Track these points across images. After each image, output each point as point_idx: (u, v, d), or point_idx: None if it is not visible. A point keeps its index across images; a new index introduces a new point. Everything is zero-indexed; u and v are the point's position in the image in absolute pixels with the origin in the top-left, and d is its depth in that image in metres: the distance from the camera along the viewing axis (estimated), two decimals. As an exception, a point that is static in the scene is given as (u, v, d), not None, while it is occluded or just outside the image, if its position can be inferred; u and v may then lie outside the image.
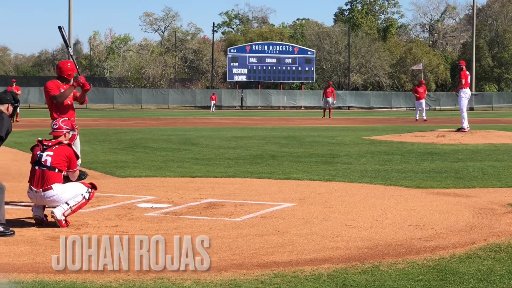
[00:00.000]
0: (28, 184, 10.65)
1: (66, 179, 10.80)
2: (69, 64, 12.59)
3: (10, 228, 9.81)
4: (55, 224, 10.37)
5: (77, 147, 12.46)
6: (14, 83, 47.05)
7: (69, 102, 12.41)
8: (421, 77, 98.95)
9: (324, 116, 53.72)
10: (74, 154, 10.76)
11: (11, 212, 11.34)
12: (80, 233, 9.87)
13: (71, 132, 11.15)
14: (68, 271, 7.74)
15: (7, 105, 10.29)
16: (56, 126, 11.00)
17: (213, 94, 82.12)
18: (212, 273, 7.67)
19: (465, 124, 29.26)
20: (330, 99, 53.55)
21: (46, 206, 10.68)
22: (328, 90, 53.83)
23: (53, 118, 12.21)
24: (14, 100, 10.37)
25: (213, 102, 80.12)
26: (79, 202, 10.50)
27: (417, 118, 45.70)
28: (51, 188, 10.41)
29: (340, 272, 7.76)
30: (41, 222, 10.55)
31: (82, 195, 10.54)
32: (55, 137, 10.89)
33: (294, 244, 9.17)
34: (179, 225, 10.52)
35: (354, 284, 7.31)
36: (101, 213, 11.33)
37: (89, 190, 10.66)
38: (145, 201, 12.64)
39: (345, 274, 7.68)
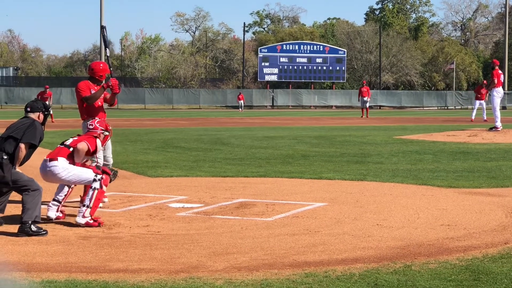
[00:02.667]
0: None
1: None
2: (101, 65, 12.61)
3: (43, 228, 9.91)
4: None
5: (108, 147, 12.57)
6: (48, 89, 47.25)
7: (99, 103, 12.43)
8: (453, 76, 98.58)
9: (362, 116, 53.65)
10: (95, 143, 10.91)
11: (43, 212, 11.43)
12: (112, 233, 9.93)
13: (105, 133, 11.27)
14: (101, 270, 7.79)
15: (38, 113, 10.43)
16: (92, 127, 11.24)
17: (240, 94, 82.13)
18: (243, 273, 7.68)
19: (498, 123, 29.05)
20: (366, 98, 53.57)
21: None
22: (363, 89, 53.80)
23: (84, 119, 12.31)
24: (45, 108, 10.49)
25: (241, 102, 79.99)
26: (93, 196, 10.50)
27: (473, 118, 45.16)
28: (56, 159, 10.57)
29: (372, 272, 7.73)
30: (61, 217, 10.86)
31: (91, 188, 10.52)
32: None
33: (325, 244, 9.15)
34: (210, 225, 10.54)
35: (385, 284, 7.28)
36: (133, 213, 11.38)
37: (98, 176, 10.58)
38: (177, 201, 12.68)
39: (377, 274, 7.65)
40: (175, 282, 7.37)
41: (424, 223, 10.58)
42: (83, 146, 10.68)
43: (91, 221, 10.40)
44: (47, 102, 47.29)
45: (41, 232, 9.76)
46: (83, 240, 9.47)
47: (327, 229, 10.17)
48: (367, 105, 54.31)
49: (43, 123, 10.49)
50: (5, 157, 9.88)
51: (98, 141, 11.05)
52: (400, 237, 9.56)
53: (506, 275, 7.61)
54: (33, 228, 9.73)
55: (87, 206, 10.44)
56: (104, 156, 12.53)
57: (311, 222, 10.69)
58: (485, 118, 44.15)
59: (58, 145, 10.92)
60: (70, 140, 10.91)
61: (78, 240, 9.51)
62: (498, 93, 29.28)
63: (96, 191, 10.53)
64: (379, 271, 7.76)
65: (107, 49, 13.26)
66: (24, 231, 9.69)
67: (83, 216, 10.40)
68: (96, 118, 11.74)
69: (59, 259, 8.41)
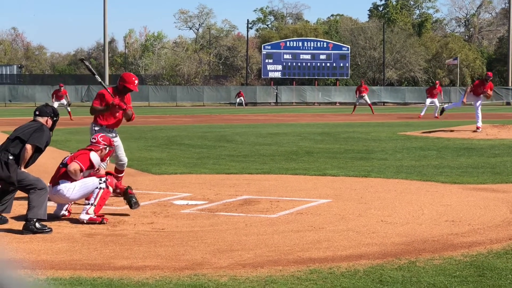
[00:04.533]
0: None
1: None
2: (133, 78, 12.63)
3: (48, 225, 9.93)
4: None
5: (120, 147, 12.66)
6: (62, 87, 45.04)
7: (117, 115, 12.53)
8: (457, 72, 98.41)
9: (353, 112, 53.70)
10: (88, 159, 10.86)
11: (49, 210, 11.44)
12: (116, 230, 9.94)
13: (108, 148, 11.33)
14: (105, 268, 7.80)
15: (47, 118, 10.41)
16: (94, 141, 11.34)
17: (240, 91, 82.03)
18: (248, 270, 7.68)
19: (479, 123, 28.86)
20: (365, 95, 53.58)
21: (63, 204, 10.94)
22: (362, 88, 53.78)
23: (95, 121, 12.41)
24: (54, 114, 10.48)
25: (239, 99, 79.86)
26: (98, 195, 10.56)
27: (422, 114, 45.28)
28: (58, 183, 10.66)
29: (376, 268, 7.73)
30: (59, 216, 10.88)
31: (97, 188, 10.62)
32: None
33: (330, 240, 9.16)
34: (214, 222, 10.54)
35: (390, 280, 7.28)
36: (137, 210, 11.39)
37: (103, 179, 10.69)
38: (181, 198, 12.69)
39: (381, 270, 7.65)
40: (179, 279, 7.37)
41: (429, 219, 10.58)
42: (74, 167, 10.67)
43: (95, 217, 10.42)
44: (63, 101, 45.95)
45: (46, 229, 9.77)
46: (87, 238, 9.48)
47: (331, 225, 10.17)
48: (368, 101, 54.28)
49: (51, 129, 10.47)
50: (10, 157, 9.90)
51: (93, 155, 10.96)
52: (405, 233, 9.56)
53: (511, 271, 7.61)
54: (38, 225, 9.75)
55: (92, 204, 10.47)
56: (118, 156, 12.63)
57: (316, 218, 10.69)
58: (436, 115, 44.54)
59: (59, 165, 10.98)
60: (67, 158, 10.96)
61: (82, 237, 9.52)
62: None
63: (101, 191, 10.58)
64: (383, 268, 7.76)
65: (96, 76, 13.21)
66: (28, 229, 9.71)
67: (87, 213, 10.42)
68: (99, 133, 11.78)
69: (64, 256, 8.43)
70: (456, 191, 13.33)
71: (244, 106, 77.66)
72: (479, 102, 28.71)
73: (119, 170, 12.89)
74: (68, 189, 10.59)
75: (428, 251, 8.54)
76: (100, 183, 10.61)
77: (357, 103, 55.00)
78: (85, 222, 10.38)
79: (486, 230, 9.75)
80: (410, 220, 10.52)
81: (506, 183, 14.34)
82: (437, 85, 47.09)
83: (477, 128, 28.40)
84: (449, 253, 8.43)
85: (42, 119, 10.38)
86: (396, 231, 9.74)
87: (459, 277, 7.38)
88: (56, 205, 10.99)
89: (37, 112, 10.46)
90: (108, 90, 12.40)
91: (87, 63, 13.19)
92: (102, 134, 11.58)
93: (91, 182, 10.68)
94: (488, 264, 7.90)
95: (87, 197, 10.90)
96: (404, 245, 8.88)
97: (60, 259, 8.27)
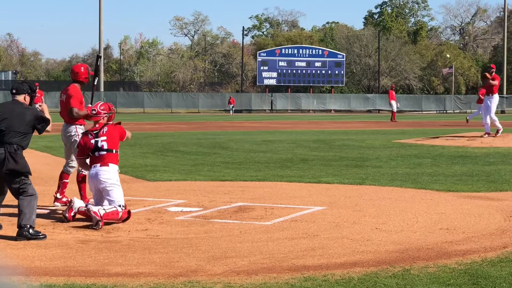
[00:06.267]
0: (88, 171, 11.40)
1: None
2: (82, 68, 12.86)
3: (42, 232, 9.91)
4: (87, 226, 10.47)
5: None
6: (37, 87, 46.18)
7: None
8: (452, 80, 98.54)
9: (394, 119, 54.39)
10: (123, 128, 11.52)
11: (43, 216, 11.44)
12: (111, 237, 9.93)
13: (108, 114, 11.48)
14: (99, 274, 7.79)
15: (24, 95, 10.39)
16: (95, 112, 11.57)
17: (231, 98, 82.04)
18: (242, 277, 7.68)
19: (499, 126, 28.64)
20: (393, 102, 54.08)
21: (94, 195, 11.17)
22: (393, 93, 54.23)
23: (66, 122, 12.54)
24: (31, 90, 10.46)
25: (231, 106, 79.93)
26: (111, 210, 10.67)
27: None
28: (107, 165, 11.09)
29: (371, 276, 7.73)
30: (70, 215, 10.91)
31: (119, 205, 10.84)
32: (95, 122, 11.50)
33: (324, 248, 9.15)
34: (209, 228, 10.54)
35: (384, 288, 7.28)
36: (132, 217, 11.37)
37: (123, 204, 10.94)
38: (175, 205, 12.67)
39: (376, 278, 7.65)
40: (173, 286, 7.37)
41: (423, 227, 10.58)
42: (128, 134, 11.68)
43: (98, 213, 10.46)
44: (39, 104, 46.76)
45: (40, 236, 9.76)
46: (81, 244, 9.46)
47: (326, 233, 10.17)
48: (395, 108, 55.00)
49: (30, 104, 10.44)
50: (18, 150, 9.90)
51: (119, 123, 11.56)
52: (399, 241, 9.56)
53: (505, 279, 7.61)
54: (31, 231, 9.73)
55: (104, 209, 10.62)
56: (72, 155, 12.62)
57: (310, 226, 10.69)
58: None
59: (96, 153, 11.27)
60: (100, 142, 11.27)
61: (77, 244, 9.51)
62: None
63: (114, 209, 10.77)
64: (378, 275, 7.76)
65: (96, 78, 13.42)
66: (23, 235, 9.69)
67: (98, 211, 10.49)
68: (98, 102, 11.89)
69: (58, 263, 8.41)
70: (451, 199, 13.34)
71: (231, 114, 77.63)
72: (493, 104, 28.23)
73: (66, 175, 12.77)
74: (113, 177, 11.11)
75: (423, 259, 8.54)
76: (121, 206, 10.89)
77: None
78: (91, 210, 10.54)
79: (480, 238, 9.75)
80: (405, 228, 10.52)
81: (500, 191, 14.35)
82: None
83: (497, 131, 28.26)
84: (443, 261, 8.43)
85: (20, 97, 10.36)
86: (391, 238, 9.74)
87: (453, 285, 7.38)
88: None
89: (14, 91, 10.40)
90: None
91: (99, 62, 13.26)
92: (101, 103, 11.77)
93: (121, 197, 11.02)
94: (482, 272, 7.90)
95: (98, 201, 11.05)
96: (399, 252, 8.88)
97: (54, 266, 8.25)
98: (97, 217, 10.47)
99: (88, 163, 11.36)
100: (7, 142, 9.91)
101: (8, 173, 9.88)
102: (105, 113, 11.51)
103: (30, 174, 10.08)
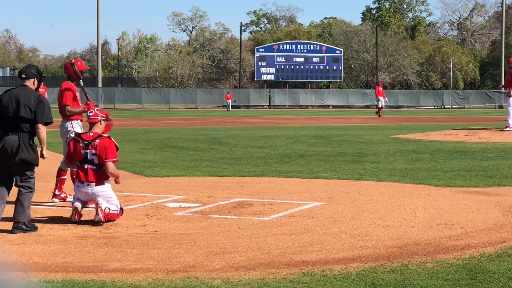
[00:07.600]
0: (75, 180, 11.07)
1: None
2: (78, 63, 13.07)
3: (40, 228, 9.97)
4: (86, 222, 10.48)
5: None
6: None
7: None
8: (450, 75, 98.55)
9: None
10: (114, 145, 11.01)
11: (41, 212, 11.45)
12: (109, 233, 9.93)
13: (106, 121, 11.33)
14: (98, 270, 7.79)
15: (33, 79, 10.30)
16: (92, 114, 11.33)
17: (228, 93, 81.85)
18: (240, 272, 7.68)
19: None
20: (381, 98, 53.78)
21: (88, 203, 10.94)
22: (380, 89, 53.80)
23: (64, 119, 12.53)
24: (39, 74, 10.37)
25: (229, 101, 79.67)
26: (114, 211, 10.69)
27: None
28: (103, 183, 10.77)
29: (369, 271, 7.73)
30: (78, 215, 10.71)
31: (117, 206, 10.78)
32: (91, 124, 11.20)
33: (322, 243, 9.15)
34: (207, 224, 10.54)
35: (383, 283, 7.28)
36: (130, 213, 11.37)
37: (119, 206, 10.87)
38: (174, 201, 12.68)
39: (374, 273, 7.65)
40: (172, 281, 7.37)
41: (421, 222, 10.59)
42: (112, 168, 10.89)
43: (103, 211, 10.49)
44: None
45: (34, 228, 9.94)
46: (80, 240, 9.46)
47: (324, 228, 10.17)
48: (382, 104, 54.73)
49: (36, 88, 10.36)
50: (30, 141, 9.92)
51: (111, 140, 11.08)
52: (397, 236, 9.56)
53: (503, 274, 7.62)
54: (27, 224, 9.86)
55: (108, 208, 10.60)
56: None
57: (308, 221, 10.69)
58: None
59: (85, 165, 10.92)
60: (90, 155, 10.86)
61: (75, 240, 9.50)
62: None
63: (116, 211, 10.74)
64: (376, 270, 7.76)
65: (80, 80, 13.36)
66: (18, 227, 9.79)
67: (106, 208, 10.54)
68: (94, 106, 11.91)
69: (56, 259, 8.41)
70: (449, 194, 13.35)
71: (228, 110, 77.49)
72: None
73: (63, 172, 12.76)
74: (108, 190, 10.82)
75: (421, 254, 8.54)
76: (118, 207, 10.81)
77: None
78: (100, 205, 10.50)
79: (478, 233, 9.76)
80: (403, 223, 10.53)
81: (498, 186, 14.35)
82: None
83: (507, 126, 28.06)
84: (441, 256, 8.43)
85: (29, 82, 10.26)
86: (389, 234, 9.75)
87: (452, 280, 7.38)
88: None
89: (23, 75, 10.27)
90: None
91: (74, 67, 13.18)
92: (98, 108, 11.69)
93: (116, 199, 10.88)
94: (481, 267, 7.91)
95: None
96: (397, 248, 8.88)
97: (52, 261, 8.25)
98: (102, 216, 10.44)
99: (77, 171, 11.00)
100: (21, 130, 9.88)
101: (19, 163, 9.85)
102: (102, 117, 11.26)
103: (37, 166, 10.11)
